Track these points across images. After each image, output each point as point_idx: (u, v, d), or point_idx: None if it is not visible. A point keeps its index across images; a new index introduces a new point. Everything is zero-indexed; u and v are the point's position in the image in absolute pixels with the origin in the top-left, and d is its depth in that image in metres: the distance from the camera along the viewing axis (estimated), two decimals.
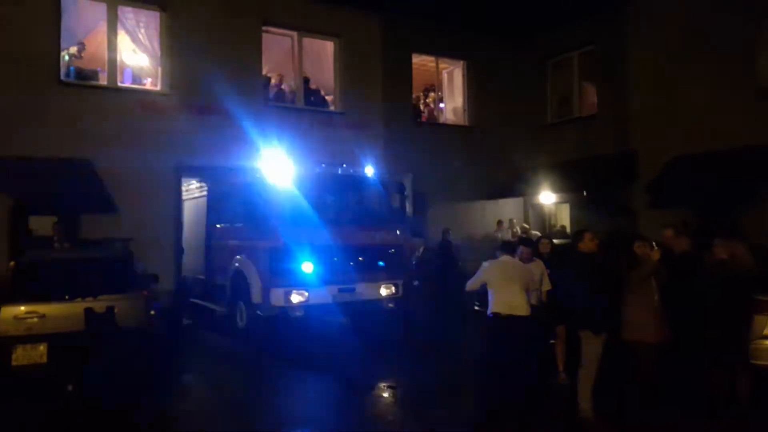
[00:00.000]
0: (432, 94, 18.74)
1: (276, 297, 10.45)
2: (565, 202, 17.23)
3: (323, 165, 12.00)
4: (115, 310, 7.69)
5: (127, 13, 14.05)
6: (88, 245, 11.09)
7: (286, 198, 10.78)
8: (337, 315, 11.22)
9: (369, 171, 12.18)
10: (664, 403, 6.76)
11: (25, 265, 8.22)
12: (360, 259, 11.21)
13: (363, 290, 11.08)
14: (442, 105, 18.84)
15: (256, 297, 10.75)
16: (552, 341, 8.08)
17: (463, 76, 18.49)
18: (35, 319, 7.47)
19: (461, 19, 16.77)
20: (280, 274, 10.48)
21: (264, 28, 15.24)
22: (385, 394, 8.19)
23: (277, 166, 11.17)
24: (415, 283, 12.20)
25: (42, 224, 12.01)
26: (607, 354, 6.70)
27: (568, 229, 16.01)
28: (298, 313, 10.52)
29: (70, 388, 7.54)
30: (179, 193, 13.85)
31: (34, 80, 12.48)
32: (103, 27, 13.76)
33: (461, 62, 18.46)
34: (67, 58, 13.45)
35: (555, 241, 10.23)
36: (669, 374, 6.88)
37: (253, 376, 9.02)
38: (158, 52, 14.19)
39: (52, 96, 12.65)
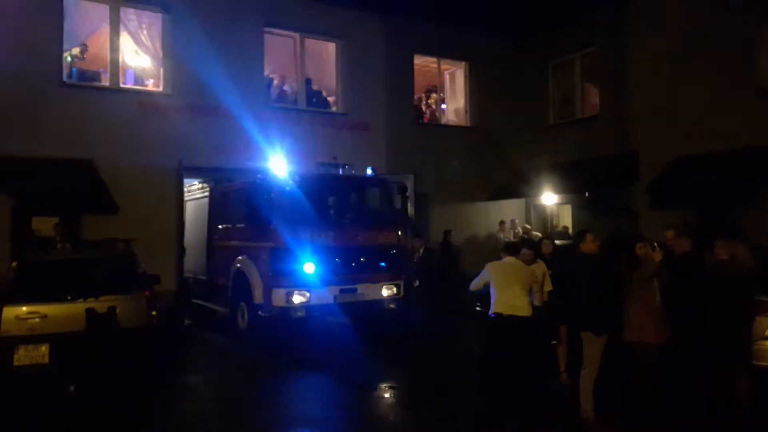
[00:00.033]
0: (434, 95, 18.76)
1: (277, 297, 10.46)
2: (566, 202, 17.23)
3: (325, 166, 12.01)
4: (117, 311, 7.71)
5: (129, 15, 14.12)
6: (90, 246, 11.08)
7: (288, 199, 10.79)
8: (339, 315, 11.21)
9: (370, 172, 12.21)
10: (665, 403, 6.76)
11: (27, 266, 8.22)
12: (361, 259, 11.22)
13: (364, 291, 11.08)
14: (443, 106, 18.87)
15: (258, 297, 10.77)
16: (553, 342, 8.08)
17: (465, 77, 18.52)
18: (37, 320, 7.48)
19: (463, 21, 16.77)
20: (281, 274, 10.50)
21: (266, 29, 15.29)
22: (386, 395, 8.19)
23: (279, 167, 11.20)
24: (416, 283, 12.19)
25: (44, 225, 12.05)
26: (608, 355, 6.70)
27: (571, 230, 16.00)
28: (300, 314, 10.53)
29: (71, 388, 7.57)
30: (181, 193, 13.87)
31: (37, 81, 12.54)
32: (105, 28, 13.83)
33: (463, 63, 18.48)
34: (69, 59, 13.52)
35: (557, 241, 10.25)
36: (670, 375, 6.88)
37: (255, 377, 9.03)
38: (160, 53, 14.24)
39: (55, 97, 12.71)
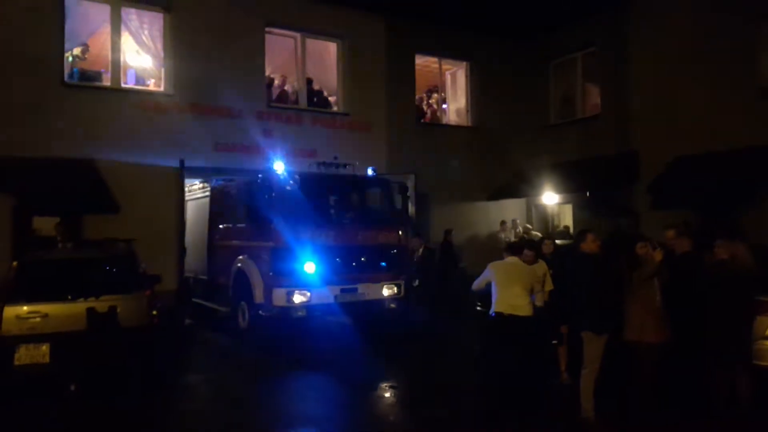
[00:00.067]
0: (435, 95, 18.76)
1: (278, 297, 10.47)
2: (567, 202, 17.24)
3: (326, 165, 12.02)
4: (118, 310, 7.72)
5: (130, 15, 14.12)
6: (90, 245, 11.09)
7: (289, 198, 10.80)
8: (339, 315, 11.22)
9: (371, 171, 12.22)
10: (665, 403, 6.76)
11: (28, 265, 8.24)
12: (362, 259, 11.23)
13: (365, 290, 11.08)
14: (445, 106, 18.87)
15: (259, 297, 10.77)
16: (554, 341, 8.09)
17: (466, 76, 18.51)
18: (38, 319, 7.50)
19: (464, 20, 16.78)
20: (282, 274, 10.51)
21: (267, 29, 15.29)
22: (387, 394, 8.21)
23: (280, 167, 11.21)
24: (415, 283, 12.19)
25: (45, 224, 12.06)
26: (608, 354, 6.70)
27: (571, 230, 16.01)
28: (300, 314, 10.53)
29: (72, 387, 7.59)
30: (182, 193, 13.86)
31: (38, 81, 12.55)
32: (106, 28, 13.83)
33: (464, 63, 18.47)
34: (70, 59, 13.52)
35: (557, 241, 10.25)
36: (670, 375, 6.88)
37: (255, 376, 9.04)
38: (161, 53, 14.25)
39: (56, 97, 12.72)
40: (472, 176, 17.40)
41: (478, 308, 9.34)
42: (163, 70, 14.21)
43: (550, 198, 17.16)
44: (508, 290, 7.18)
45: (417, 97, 18.04)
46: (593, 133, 16.27)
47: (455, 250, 15.20)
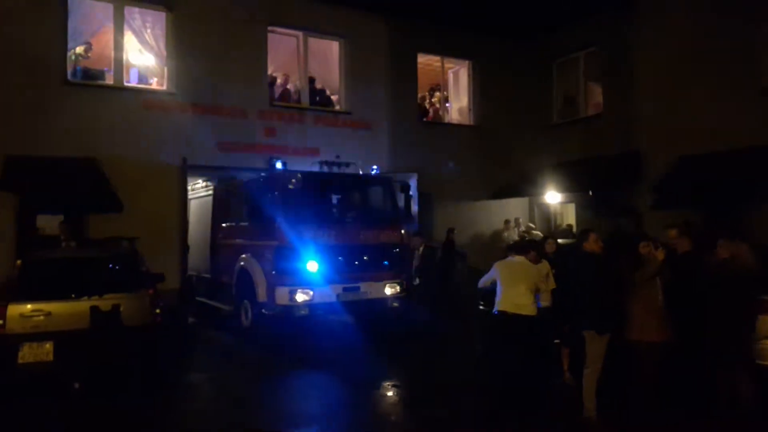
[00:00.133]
0: (437, 94, 18.73)
1: (281, 296, 10.48)
2: (570, 201, 17.23)
3: (328, 164, 12.03)
4: (121, 309, 7.74)
5: (133, 13, 14.13)
6: (94, 244, 11.14)
7: (292, 197, 10.81)
8: (342, 314, 11.26)
9: (374, 170, 12.22)
10: (666, 403, 6.77)
11: (31, 264, 8.28)
12: (364, 258, 11.23)
13: (367, 289, 11.09)
14: (447, 104, 18.86)
15: (261, 296, 10.79)
16: (557, 341, 8.10)
17: (469, 75, 18.50)
18: (41, 317, 7.53)
19: (465, 20, 16.76)
20: (285, 273, 10.52)
21: (269, 28, 15.29)
22: (389, 393, 8.22)
23: (283, 166, 11.21)
24: (416, 282, 12.21)
25: (49, 223, 12.10)
26: (610, 354, 6.72)
27: (574, 229, 16.01)
28: (303, 312, 10.54)
29: (76, 386, 7.61)
30: (185, 192, 13.90)
31: (41, 80, 12.57)
32: (109, 27, 13.84)
33: (467, 62, 18.45)
34: (73, 57, 13.54)
35: (560, 241, 10.25)
36: (672, 374, 6.89)
37: (258, 375, 9.05)
38: (164, 51, 14.25)
39: (59, 95, 12.73)
40: (474, 175, 17.39)
41: (481, 307, 9.36)
42: (165, 68, 14.21)
43: (552, 197, 17.15)
44: (513, 289, 7.21)
45: (419, 95, 18.03)
46: (595, 132, 16.26)
47: (457, 249, 15.20)
